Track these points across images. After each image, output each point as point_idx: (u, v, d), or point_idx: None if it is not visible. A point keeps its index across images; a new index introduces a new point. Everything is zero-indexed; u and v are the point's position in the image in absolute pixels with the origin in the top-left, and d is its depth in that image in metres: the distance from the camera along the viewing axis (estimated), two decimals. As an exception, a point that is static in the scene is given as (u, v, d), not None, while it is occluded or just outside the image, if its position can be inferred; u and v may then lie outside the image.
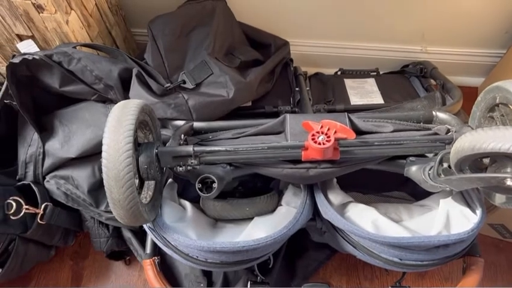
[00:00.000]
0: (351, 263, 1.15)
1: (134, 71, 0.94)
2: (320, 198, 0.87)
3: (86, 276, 1.16)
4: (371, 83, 1.23)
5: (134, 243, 1.08)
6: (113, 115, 0.71)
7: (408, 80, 1.27)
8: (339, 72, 1.31)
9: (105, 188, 0.68)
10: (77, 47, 0.96)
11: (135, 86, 0.93)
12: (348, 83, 1.24)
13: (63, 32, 0.98)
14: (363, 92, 1.19)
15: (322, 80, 1.28)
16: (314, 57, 1.40)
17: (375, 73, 1.29)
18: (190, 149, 0.77)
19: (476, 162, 0.68)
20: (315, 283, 0.87)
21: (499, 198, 0.74)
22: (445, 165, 0.74)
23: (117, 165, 0.67)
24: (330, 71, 1.34)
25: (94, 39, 1.08)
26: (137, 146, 0.77)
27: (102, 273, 1.16)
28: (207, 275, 1.03)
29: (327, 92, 1.19)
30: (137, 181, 0.77)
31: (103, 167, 0.67)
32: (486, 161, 0.69)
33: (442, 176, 0.74)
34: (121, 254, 1.14)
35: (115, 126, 0.69)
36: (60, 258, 1.18)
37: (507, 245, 1.18)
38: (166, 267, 0.98)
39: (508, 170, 0.63)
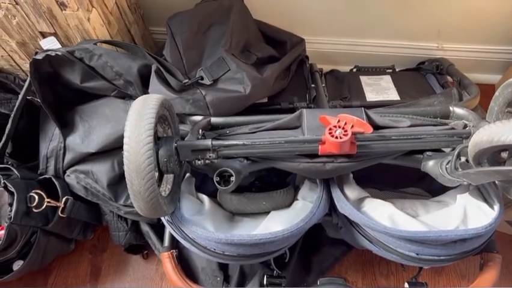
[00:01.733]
0: (366, 259, 1.15)
1: (153, 67, 0.96)
2: (336, 193, 0.87)
3: (105, 269, 1.18)
4: (386, 80, 1.23)
5: (152, 237, 1.10)
6: (134, 108, 0.72)
7: (424, 77, 1.26)
8: (354, 69, 1.31)
9: (126, 180, 0.70)
10: (98, 44, 0.98)
11: (154, 82, 0.95)
12: (364, 79, 1.24)
13: (84, 29, 1.01)
14: (379, 89, 1.19)
15: (338, 77, 1.28)
16: (330, 55, 1.40)
17: (391, 70, 1.29)
18: (208, 142, 0.78)
19: (494, 155, 0.68)
20: (331, 278, 0.87)
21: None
22: (463, 159, 0.74)
23: (138, 157, 0.68)
24: (345, 68, 1.34)
25: (113, 37, 1.10)
26: (157, 140, 0.79)
27: (120, 267, 1.18)
28: (224, 268, 1.04)
29: (343, 89, 1.20)
30: (156, 174, 0.78)
31: (124, 159, 0.69)
32: (504, 155, 0.69)
33: (460, 169, 0.74)
34: (139, 247, 1.16)
35: (136, 120, 0.70)
36: (80, 252, 1.21)
37: (525, 243, 1.17)
38: (183, 261, 1.00)
39: (527, 162, 0.63)
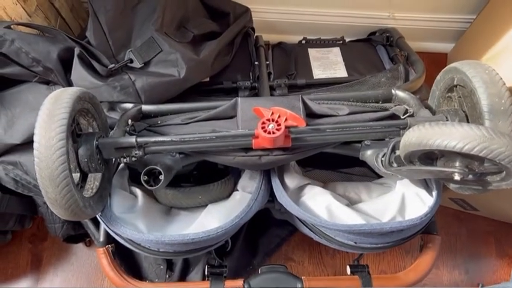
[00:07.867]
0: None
1: (76, 51, 0.87)
2: (275, 183, 0.85)
3: (46, 258, 1.14)
4: (335, 53, 1.18)
5: (91, 228, 1.05)
6: (44, 109, 0.66)
7: (374, 49, 1.21)
8: (303, 41, 1.25)
9: (40, 188, 0.65)
10: (13, 26, 0.88)
11: (77, 68, 0.86)
12: (312, 53, 1.18)
13: (-8, 10, 0.90)
14: (327, 63, 1.14)
15: (286, 50, 1.21)
16: (278, 24, 1.33)
17: (340, 42, 1.23)
18: (132, 140, 0.73)
19: (427, 153, 0.66)
20: (272, 265, 0.86)
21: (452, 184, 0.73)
22: (398, 152, 0.72)
23: (50, 164, 0.62)
24: (294, 39, 1.27)
25: (32, 15, 0.98)
26: (77, 137, 0.73)
27: (62, 255, 1.14)
28: (167, 257, 1.02)
29: (290, 64, 1.13)
30: (78, 175, 0.73)
31: (35, 167, 0.63)
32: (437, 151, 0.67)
33: (394, 164, 0.72)
34: (80, 236, 1.12)
35: (47, 122, 0.64)
36: (19, 241, 1.16)
37: (468, 216, 1.19)
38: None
39: (456, 164, 0.61)
